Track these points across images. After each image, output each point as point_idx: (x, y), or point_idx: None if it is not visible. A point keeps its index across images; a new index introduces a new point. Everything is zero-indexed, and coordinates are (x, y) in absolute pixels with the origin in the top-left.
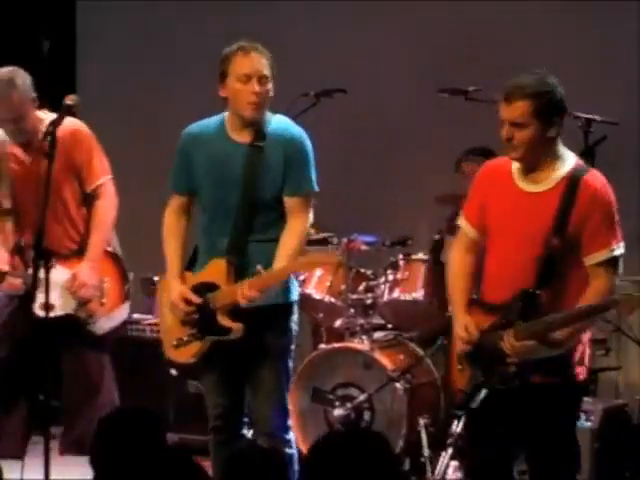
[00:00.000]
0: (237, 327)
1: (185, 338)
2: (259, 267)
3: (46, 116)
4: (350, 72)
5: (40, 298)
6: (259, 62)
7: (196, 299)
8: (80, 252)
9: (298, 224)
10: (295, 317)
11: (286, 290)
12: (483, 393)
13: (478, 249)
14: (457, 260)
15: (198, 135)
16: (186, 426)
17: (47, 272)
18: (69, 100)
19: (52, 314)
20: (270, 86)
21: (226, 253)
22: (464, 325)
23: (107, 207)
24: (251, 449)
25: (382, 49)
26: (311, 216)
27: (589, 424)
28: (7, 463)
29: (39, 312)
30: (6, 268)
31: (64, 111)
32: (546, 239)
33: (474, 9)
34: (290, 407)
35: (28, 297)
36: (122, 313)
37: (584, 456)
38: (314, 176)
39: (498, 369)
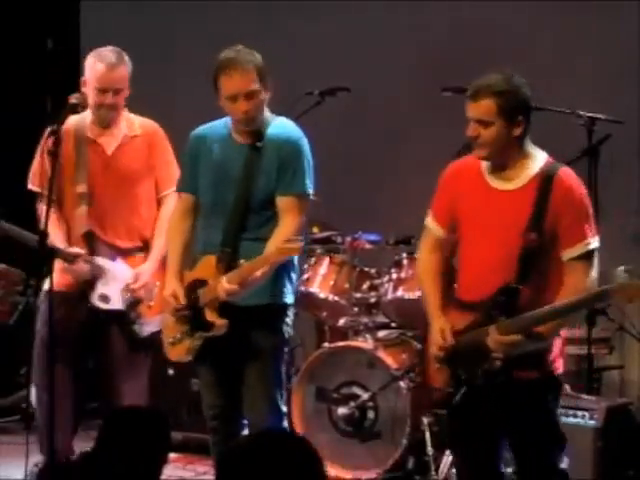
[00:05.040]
0: (220, 323)
1: (179, 336)
2: (241, 261)
3: (129, 115)
4: (353, 71)
5: (100, 289)
6: (243, 80)
7: (183, 298)
8: (140, 250)
9: (287, 224)
10: (289, 320)
11: (276, 291)
12: (463, 390)
13: (445, 248)
14: (425, 260)
15: (204, 137)
16: (189, 424)
17: (50, 268)
18: (73, 99)
19: (107, 306)
20: (261, 96)
21: (218, 250)
22: (440, 329)
23: (169, 215)
24: (246, 445)
25: (385, 48)
26: (303, 219)
27: (592, 423)
28: (11, 463)
29: (96, 302)
30: (82, 252)
31: (68, 109)
32: (522, 235)
33: (474, 9)
34: (294, 405)
35: (87, 289)
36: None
37: (587, 455)
38: (308, 179)
39: (483, 366)
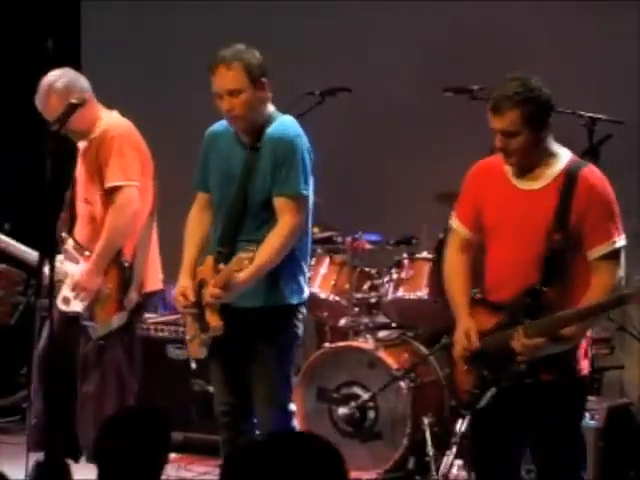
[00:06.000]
0: (215, 324)
1: (193, 333)
2: (220, 265)
3: (107, 116)
4: (354, 71)
5: (63, 292)
6: (225, 77)
7: (191, 296)
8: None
9: (282, 224)
10: (296, 321)
11: (278, 292)
12: (491, 392)
13: (472, 248)
14: (453, 261)
15: (215, 135)
16: (190, 425)
17: (52, 268)
18: (74, 99)
19: (67, 308)
20: (248, 94)
21: (215, 251)
22: (465, 330)
23: (114, 215)
24: (250, 447)
25: (385, 48)
26: (300, 220)
27: (593, 423)
28: (11, 463)
29: (59, 304)
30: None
31: (69, 110)
32: (548, 236)
33: (475, 9)
34: (294, 406)
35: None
36: (115, 321)
37: (588, 455)
38: (302, 179)
39: (508, 368)
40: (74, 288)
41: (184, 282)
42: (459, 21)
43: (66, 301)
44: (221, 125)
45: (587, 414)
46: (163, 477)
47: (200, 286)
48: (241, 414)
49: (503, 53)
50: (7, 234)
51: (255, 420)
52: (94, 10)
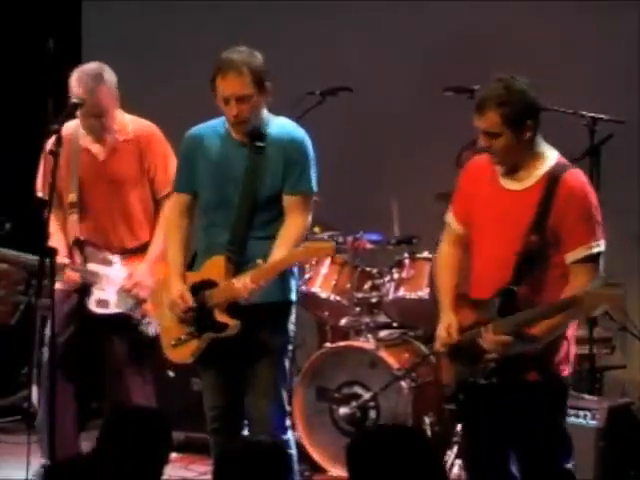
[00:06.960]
0: (234, 323)
1: (183, 337)
2: (259, 260)
3: (123, 116)
4: (354, 71)
5: (97, 294)
6: (236, 83)
7: (191, 300)
8: (141, 251)
9: (296, 221)
10: (293, 317)
11: (284, 288)
12: (463, 388)
13: (464, 244)
14: (444, 255)
15: (200, 136)
16: (191, 424)
17: (53, 268)
18: (74, 98)
19: (106, 311)
20: (254, 100)
21: (225, 250)
22: (446, 325)
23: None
24: (244, 447)
25: (385, 48)
26: (310, 217)
27: (594, 423)
28: (12, 464)
29: (94, 308)
30: (66, 261)
31: (70, 110)
32: (525, 236)
33: (475, 9)
34: (295, 405)
35: (85, 292)
36: None
37: (589, 455)
38: (314, 177)
39: (479, 365)
40: (134, 287)
41: (178, 286)
42: (459, 21)
43: (103, 303)
44: (205, 127)
45: (588, 414)
46: (164, 477)
47: (200, 288)
48: (231, 417)
49: (503, 53)
50: (7, 234)
51: (245, 421)
52: (95, 10)
